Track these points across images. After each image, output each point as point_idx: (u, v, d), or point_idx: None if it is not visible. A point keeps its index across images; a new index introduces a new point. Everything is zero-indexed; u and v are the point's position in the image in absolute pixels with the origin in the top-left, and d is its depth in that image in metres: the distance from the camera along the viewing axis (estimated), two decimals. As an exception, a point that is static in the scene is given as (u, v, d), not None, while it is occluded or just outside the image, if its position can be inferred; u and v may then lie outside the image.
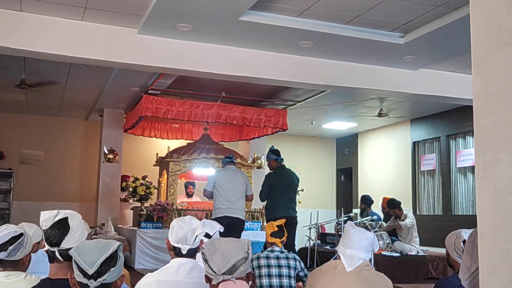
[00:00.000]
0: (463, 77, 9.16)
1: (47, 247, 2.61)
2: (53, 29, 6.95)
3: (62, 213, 2.63)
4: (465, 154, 11.94)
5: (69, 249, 2.32)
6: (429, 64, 8.71)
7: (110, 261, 2.20)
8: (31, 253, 3.18)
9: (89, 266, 2.15)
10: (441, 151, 12.71)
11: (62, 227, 2.60)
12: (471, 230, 3.45)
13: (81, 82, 10.25)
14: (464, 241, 3.56)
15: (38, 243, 4.14)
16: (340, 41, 7.53)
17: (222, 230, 3.76)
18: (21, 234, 2.98)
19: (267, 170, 13.55)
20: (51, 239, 2.59)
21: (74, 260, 2.20)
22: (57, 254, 2.58)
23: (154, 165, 12.06)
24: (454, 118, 12.23)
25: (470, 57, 1.92)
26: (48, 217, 2.61)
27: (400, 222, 9.80)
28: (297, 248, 10.91)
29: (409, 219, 9.81)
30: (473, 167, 11.65)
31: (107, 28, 7.23)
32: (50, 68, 9.21)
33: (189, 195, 12.04)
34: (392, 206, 10.10)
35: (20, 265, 2.99)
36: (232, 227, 8.16)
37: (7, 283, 2.85)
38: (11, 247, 2.91)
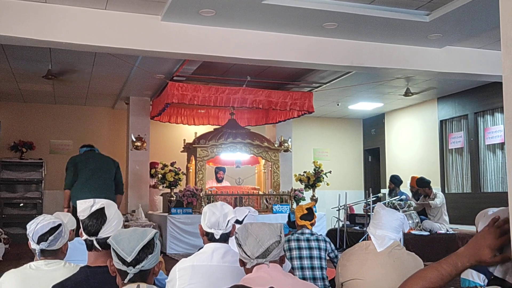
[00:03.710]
0: (490, 53, 9.03)
1: (85, 236, 2.68)
2: (77, 19, 7.01)
3: (98, 203, 2.70)
4: (494, 131, 11.81)
5: (107, 238, 2.38)
6: (456, 41, 8.60)
7: (147, 249, 2.25)
8: (68, 242, 3.27)
9: (127, 254, 2.21)
10: (469, 129, 12.59)
11: (99, 217, 2.67)
12: (498, 209, 3.45)
13: (107, 71, 10.35)
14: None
15: (73, 230, 4.24)
16: (365, 21, 7.47)
17: (256, 214, 3.79)
18: (59, 225, 3.06)
19: (294, 153, 13.64)
20: (89, 229, 2.66)
21: (113, 249, 2.26)
22: (95, 243, 2.66)
23: (181, 151, 12.15)
24: (482, 95, 12.08)
25: (498, 33, 1.91)
26: (85, 207, 2.68)
27: (430, 202, 9.77)
28: (326, 229, 10.97)
29: (439, 198, 9.76)
30: (502, 143, 11.53)
31: (131, 16, 7.26)
32: (75, 58, 9.31)
33: (219, 180, 12.10)
34: (421, 185, 10.06)
35: (59, 254, 3.08)
36: None
37: (48, 271, 2.94)
38: (51, 237, 3.00)
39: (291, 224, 5.56)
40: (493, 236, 1.80)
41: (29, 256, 3.25)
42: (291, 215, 5.86)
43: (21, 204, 13.13)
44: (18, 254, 9.10)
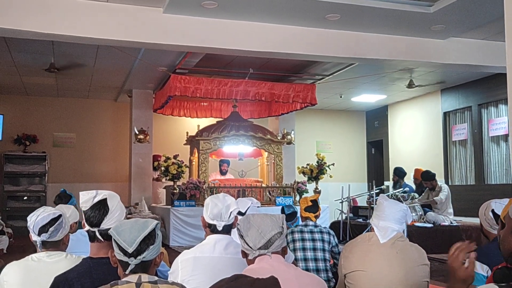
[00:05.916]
0: (494, 45, 8.98)
1: (87, 227, 2.68)
2: (80, 11, 7.00)
3: (101, 194, 2.69)
4: (498, 122, 11.77)
5: (109, 229, 2.37)
6: (459, 32, 8.56)
7: (148, 239, 2.25)
8: (70, 234, 3.26)
9: (128, 245, 2.21)
10: (472, 121, 12.55)
11: (101, 208, 2.66)
12: (501, 200, 3.44)
13: (109, 64, 10.34)
14: (492, 211, 3.59)
15: (76, 223, 4.24)
16: (368, 13, 7.44)
17: (258, 206, 3.78)
18: (59, 216, 3.05)
19: (297, 145, 13.62)
20: (92, 220, 2.65)
21: (114, 239, 2.25)
22: (97, 234, 2.65)
23: (184, 144, 12.15)
24: (486, 86, 12.04)
25: (502, 23, 1.89)
26: (87, 198, 2.67)
27: (435, 198, 9.70)
28: (329, 221, 10.96)
29: (444, 193, 9.69)
30: (506, 135, 11.49)
31: (133, 9, 7.25)
32: (78, 51, 9.30)
33: (223, 172, 12.12)
34: (427, 178, 10.01)
35: (61, 245, 3.08)
36: None
37: (50, 263, 2.93)
38: (51, 229, 2.99)
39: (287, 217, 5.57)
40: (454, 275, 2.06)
41: (32, 249, 3.24)
42: (285, 208, 5.89)
43: (25, 197, 13.16)
44: (22, 247, 9.11)
